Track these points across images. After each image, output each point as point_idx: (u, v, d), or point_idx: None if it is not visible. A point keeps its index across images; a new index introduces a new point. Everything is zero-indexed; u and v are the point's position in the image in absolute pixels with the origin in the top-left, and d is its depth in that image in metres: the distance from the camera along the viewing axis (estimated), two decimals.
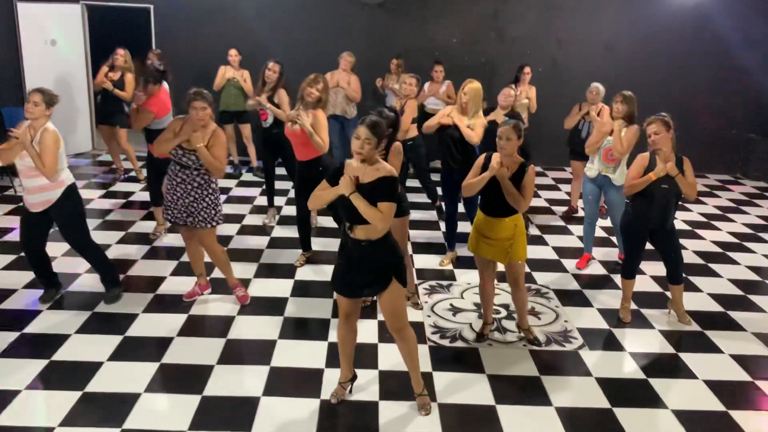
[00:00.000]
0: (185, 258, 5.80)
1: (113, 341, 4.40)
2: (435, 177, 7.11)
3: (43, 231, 4.72)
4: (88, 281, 5.27)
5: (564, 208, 7.76)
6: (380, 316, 4.77)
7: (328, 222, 6.67)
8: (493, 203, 4.28)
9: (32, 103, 4.42)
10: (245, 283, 5.36)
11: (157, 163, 5.96)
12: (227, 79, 8.20)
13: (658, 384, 4.18)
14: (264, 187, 7.21)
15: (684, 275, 5.00)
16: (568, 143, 7.38)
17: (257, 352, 4.37)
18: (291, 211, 7.18)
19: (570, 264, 6.07)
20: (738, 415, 3.87)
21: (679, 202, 4.81)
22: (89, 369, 4.05)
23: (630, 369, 4.36)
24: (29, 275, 5.22)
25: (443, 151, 5.69)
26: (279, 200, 7.39)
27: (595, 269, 6.03)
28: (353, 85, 7.92)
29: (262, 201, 7.64)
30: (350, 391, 3.91)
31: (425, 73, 7.81)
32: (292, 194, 7.15)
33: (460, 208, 5.97)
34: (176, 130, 4.63)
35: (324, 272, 5.64)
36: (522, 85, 7.79)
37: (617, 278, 5.78)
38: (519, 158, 4.23)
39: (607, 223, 6.96)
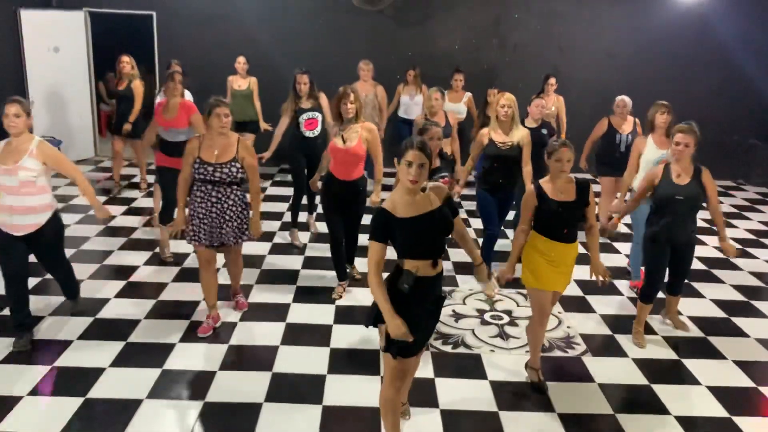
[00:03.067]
0: (187, 264, 5.81)
1: (115, 347, 4.39)
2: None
3: (25, 255, 4.29)
4: (90, 288, 5.27)
5: None
6: None
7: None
8: (563, 229, 3.91)
9: (13, 116, 4.03)
10: (247, 288, 5.36)
11: (166, 178, 5.65)
12: (233, 90, 7.95)
13: (661, 390, 4.16)
14: (291, 202, 6.74)
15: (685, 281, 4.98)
16: (599, 157, 6.76)
17: (259, 358, 4.36)
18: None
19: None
20: (741, 422, 3.86)
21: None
22: (91, 375, 4.05)
23: (633, 375, 4.35)
24: (31, 282, 5.19)
25: (488, 172, 5.35)
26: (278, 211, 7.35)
27: None
28: (381, 97, 7.82)
29: (264, 207, 7.62)
30: None
31: (432, 80, 7.78)
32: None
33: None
34: (195, 154, 4.37)
35: (325, 279, 5.63)
36: (547, 96, 7.64)
37: (620, 284, 5.78)
38: (572, 176, 3.94)
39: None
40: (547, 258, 3.92)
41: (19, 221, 4.15)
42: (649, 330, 4.95)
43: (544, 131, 5.98)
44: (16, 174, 4.06)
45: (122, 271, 5.64)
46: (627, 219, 6.97)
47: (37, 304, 4.86)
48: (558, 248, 3.92)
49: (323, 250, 6.11)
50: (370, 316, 3.23)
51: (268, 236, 6.65)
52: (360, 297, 5.31)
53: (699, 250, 6.67)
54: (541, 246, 3.94)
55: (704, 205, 4.61)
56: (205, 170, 4.36)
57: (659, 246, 4.56)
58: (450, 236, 3.22)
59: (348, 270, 5.57)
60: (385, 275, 3.11)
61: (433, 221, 3.08)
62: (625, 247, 6.62)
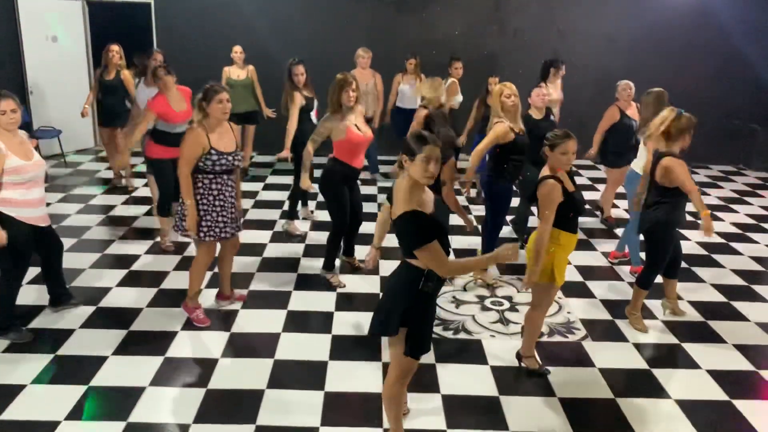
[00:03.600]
0: (188, 252, 5.82)
1: (118, 335, 4.42)
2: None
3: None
4: (92, 277, 5.29)
5: None
6: None
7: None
8: (577, 219, 3.88)
9: (11, 111, 4.00)
10: (248, 276, 5.39)
11: (165, 169, 5.59)
12: (231, 80, 7.80)
13: (661, 374, 4.19)
14: (291, 190, 6.64)
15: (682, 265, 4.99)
16: (611, 146, 6.43)
17: (261, 345, 4.38)
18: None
19: (572, 255, 6.04)
20: (741, 405, 3.88)
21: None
22: (93, 363, 4.07)
23: (633, 359, 4.37)
24: (33, 271, 5.21)
25: (516, 164, 5.15)
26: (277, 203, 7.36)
27: (598, 260, 6.03)
28: (380, 86, 7.73)
29: (265, 196, 7.65)
30: None
31: (428, 68, 7.74)
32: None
33: None
34: (207, 146, 4.16)
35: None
36: (554, 82, 7.50)
37: (620, 269, 5.79)
38: None
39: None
40: (567, 252, 3.90)
41: (45, 212, 4.34)
42: (648, 315, 4.96)
43: (553, 117, 5.87)
44: (43, 166, 4.26)
45: (123, 260, 5.66)
46: (624, 204, 6.99)
47: (39, 293, 4.88)
48: (572, 239, 3.89)
49: (324, 239, 6.11)
50: (386, 324, 3.02)
51: (269, 225, 6.66)
52: (361, 283, 5.32)
53: (699, 235, 6.67)
54: (564, 242, 3.83)
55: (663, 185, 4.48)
56: (227, 161, 4.24)
57: (674, 232, 4.57)
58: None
59: (349, 261, 5.61)
60: (385, 274, 3.08)
61: (441, 210, 3.04)
62: None
